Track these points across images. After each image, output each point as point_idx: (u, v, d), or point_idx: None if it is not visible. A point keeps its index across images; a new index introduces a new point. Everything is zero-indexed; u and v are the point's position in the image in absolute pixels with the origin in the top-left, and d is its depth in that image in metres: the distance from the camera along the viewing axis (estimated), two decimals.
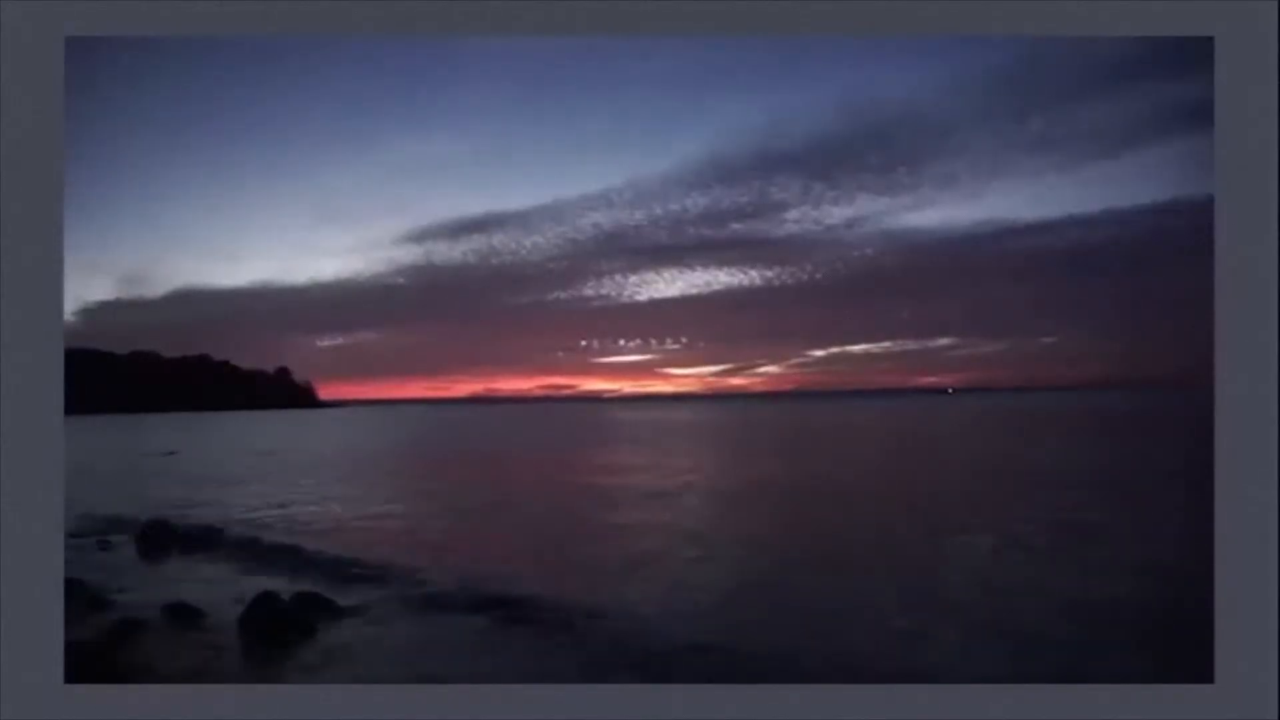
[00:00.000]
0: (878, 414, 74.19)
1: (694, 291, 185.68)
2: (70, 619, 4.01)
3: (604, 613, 7.83)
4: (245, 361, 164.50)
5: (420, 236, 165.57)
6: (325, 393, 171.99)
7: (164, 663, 6.52)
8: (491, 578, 9.32)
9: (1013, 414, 65.41)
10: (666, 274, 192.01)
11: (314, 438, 48.80)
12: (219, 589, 9.08)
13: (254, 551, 11.57)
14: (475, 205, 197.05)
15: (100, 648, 6.57)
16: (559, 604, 8.08)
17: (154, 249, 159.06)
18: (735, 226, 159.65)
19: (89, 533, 13.27)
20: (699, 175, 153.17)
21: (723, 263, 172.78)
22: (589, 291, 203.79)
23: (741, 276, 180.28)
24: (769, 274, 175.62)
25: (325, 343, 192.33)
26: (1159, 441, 32.41)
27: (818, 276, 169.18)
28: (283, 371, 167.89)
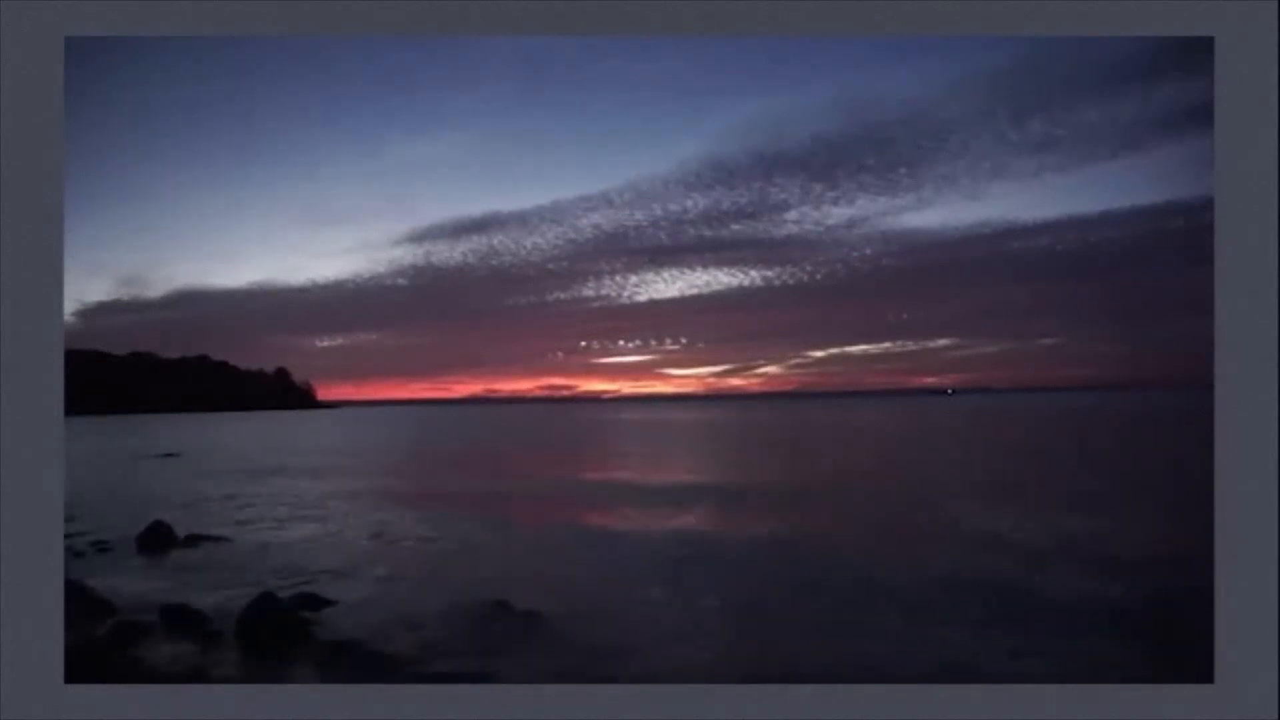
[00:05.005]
0: (877, 415, 74.03)
1: (694, 291, 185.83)
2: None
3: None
4: (244, 362, 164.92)
5: (420, 237, 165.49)
6: (324, 393, 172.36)
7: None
8: None
9: (1015, 416, 65.23)
10: (666, 274, 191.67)
11: (281, 440, 47.75)
12: None
13: None
14: (475, 205, 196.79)
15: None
16: None
17: (153, 250, 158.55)
18: (735, 227, 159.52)
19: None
20: (699, 176, 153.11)
21: (723, 263, 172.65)
22: (589, 292, 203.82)
23: (741, 276, 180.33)
24: (769, 274, 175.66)
25: (324, 343, 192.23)
26: (1158, 442, 32.39)
27: (818, 277, 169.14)
28: (281, 372, 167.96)
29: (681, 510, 15.09)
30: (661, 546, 11.57)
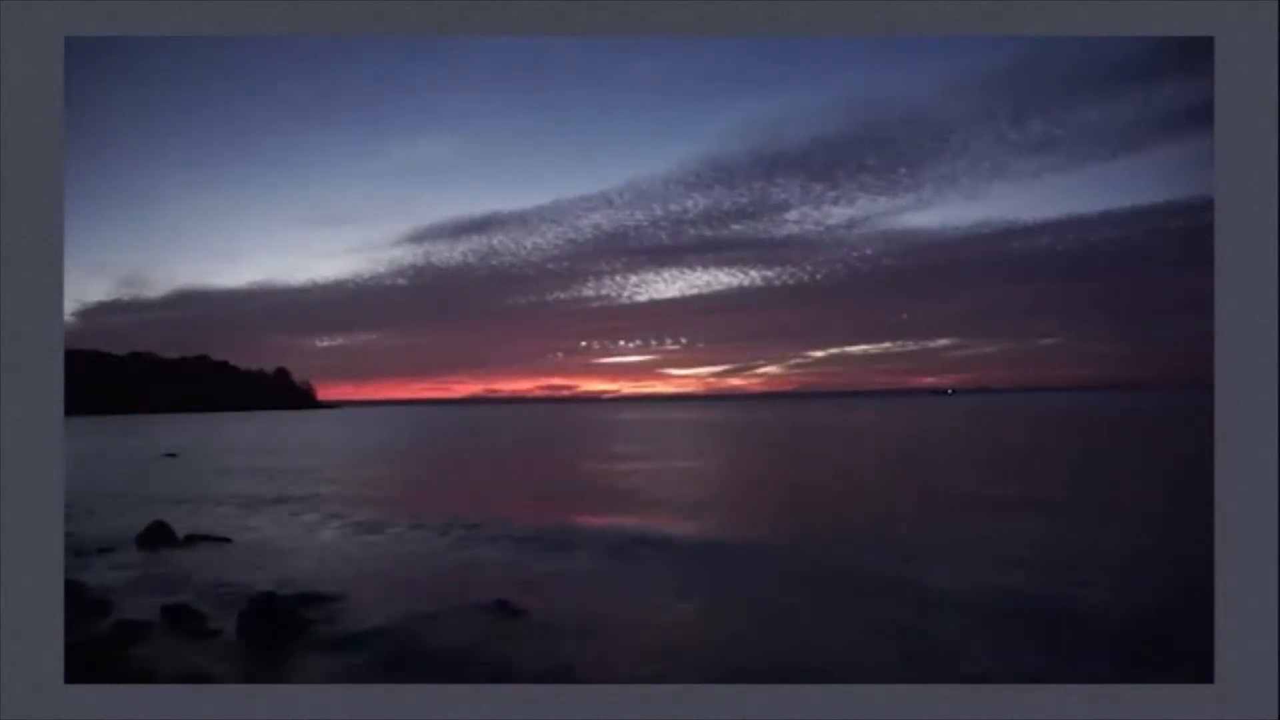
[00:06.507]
0: (879, 417, 73.97)
1: (694, 291, 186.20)
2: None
3: None
4: (244, 362, 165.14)
5: (420, 237, 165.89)
6: (324, 393, 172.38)
7: None
8: None
9: (1025, 417, 64.99)
10: (666, 274, 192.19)
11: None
12: None
13: None
14: (475, 205, 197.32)
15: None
16: None
17: (153, 250, 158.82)
18: (735, 227, 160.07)
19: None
20: (699, 176, 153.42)
21: (723, 263, 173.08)
22: (589, 292, 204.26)
23: (741, 276, 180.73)
24: (769, 274, 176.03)
25: (324, 343, 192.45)
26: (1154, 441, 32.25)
27: (818, 276, 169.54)
28: (281, 372, 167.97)
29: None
30: None
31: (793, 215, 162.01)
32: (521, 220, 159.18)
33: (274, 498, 18.19)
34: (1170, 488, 16.97)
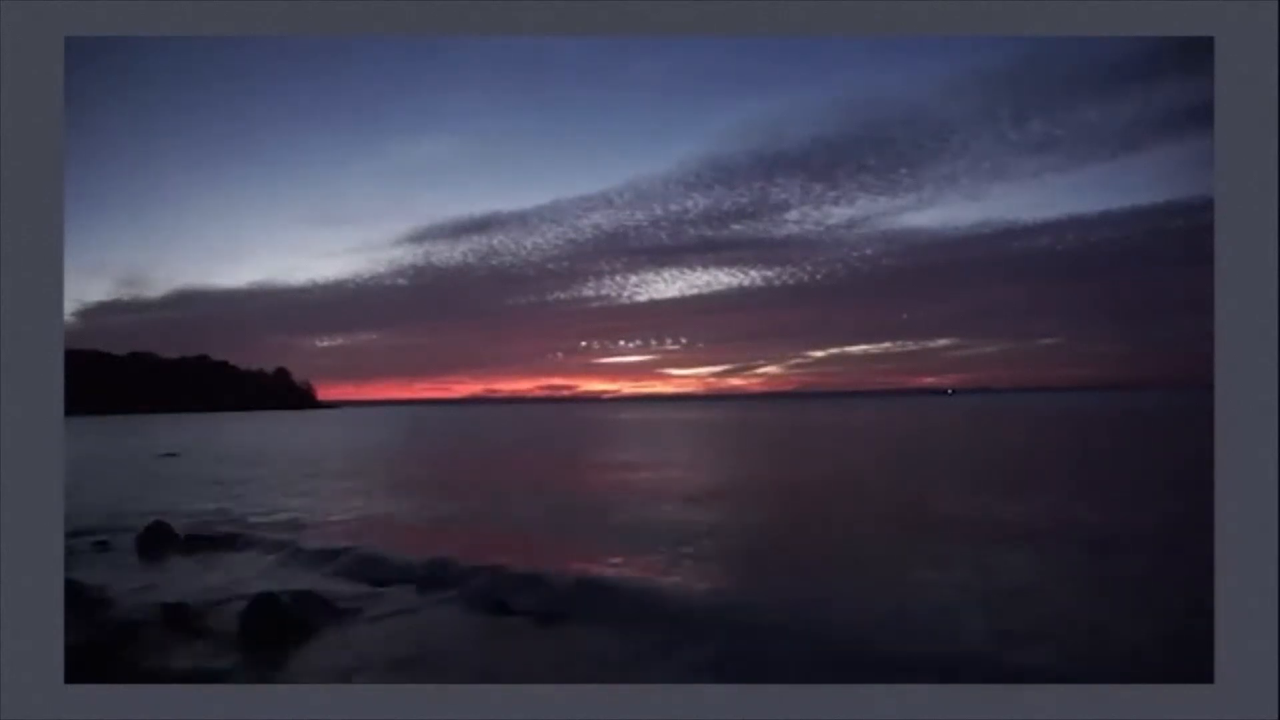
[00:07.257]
0: (881, 418, 73.78)
1: (694, 291, 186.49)
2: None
3: None
4: (244, 362, 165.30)
5: (420, 237, 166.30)
6: (324, 393, 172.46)
7: None
8: None
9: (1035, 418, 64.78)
10: (666, 274, 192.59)
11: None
12: None
13: None
14: (475, 205, 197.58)
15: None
16: None
17: (153, 250, 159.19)
18: (735, 227, 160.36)
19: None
20: (699, 176, 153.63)
21: (723, 263, 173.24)
22: (589, 292, 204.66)
23: (741, 276, 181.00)
24: (769, 274, 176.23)
25: (324, 343, 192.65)
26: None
27: (818, 276, 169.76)
28: (281, 372, 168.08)
29: None
30: None
31: (793, 215, 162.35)
32: (521, 220, 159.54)
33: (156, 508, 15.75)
34: (1169, 488, 16.95)
